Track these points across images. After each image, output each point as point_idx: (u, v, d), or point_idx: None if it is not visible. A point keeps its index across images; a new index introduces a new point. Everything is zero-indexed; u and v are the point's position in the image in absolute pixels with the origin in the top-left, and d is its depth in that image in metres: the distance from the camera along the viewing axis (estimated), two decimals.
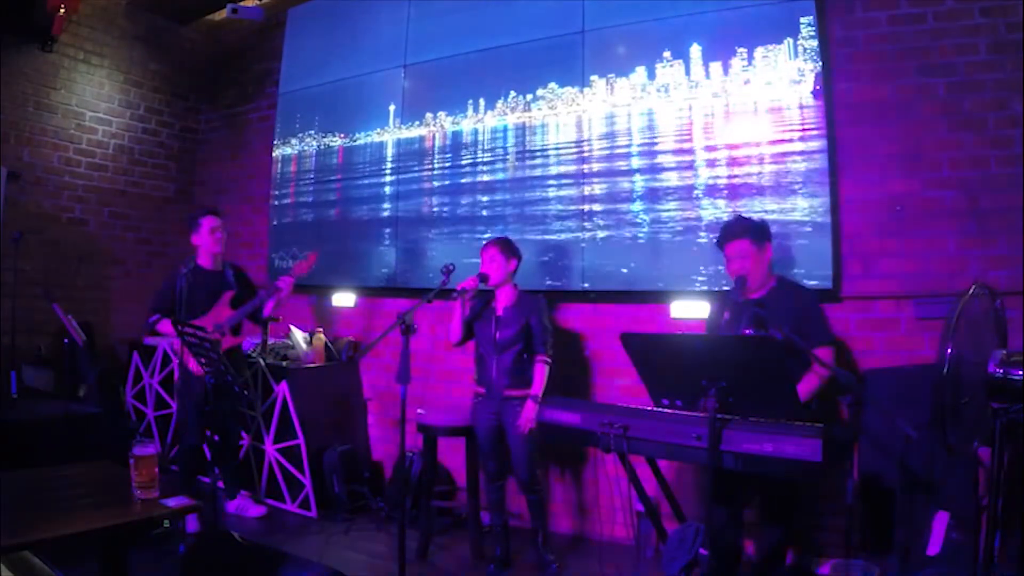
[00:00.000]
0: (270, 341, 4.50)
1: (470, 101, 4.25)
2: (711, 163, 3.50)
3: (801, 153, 3.27)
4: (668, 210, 3.58)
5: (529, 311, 3.26)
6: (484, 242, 3.38)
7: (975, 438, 2.17)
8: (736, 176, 3.43)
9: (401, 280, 4.44)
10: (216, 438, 3.78)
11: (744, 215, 3.00)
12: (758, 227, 2.77)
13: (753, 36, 3.38)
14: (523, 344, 3.24)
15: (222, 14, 5.13)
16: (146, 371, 4.89)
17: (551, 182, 3.94)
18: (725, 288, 3.12)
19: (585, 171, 3.84)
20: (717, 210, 3.44)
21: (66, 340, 3.93)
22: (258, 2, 5.20)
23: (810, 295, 2.81)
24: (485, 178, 4.18)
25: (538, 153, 4.00)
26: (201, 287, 3.66)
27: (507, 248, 3.31)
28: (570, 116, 3.90)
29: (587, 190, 3.82)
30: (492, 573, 3.26)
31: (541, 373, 3.20)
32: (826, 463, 2.02)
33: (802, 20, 3.27)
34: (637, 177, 3.68)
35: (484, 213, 4.14)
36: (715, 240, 2.87)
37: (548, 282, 3.87)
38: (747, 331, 2.50)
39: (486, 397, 3.28)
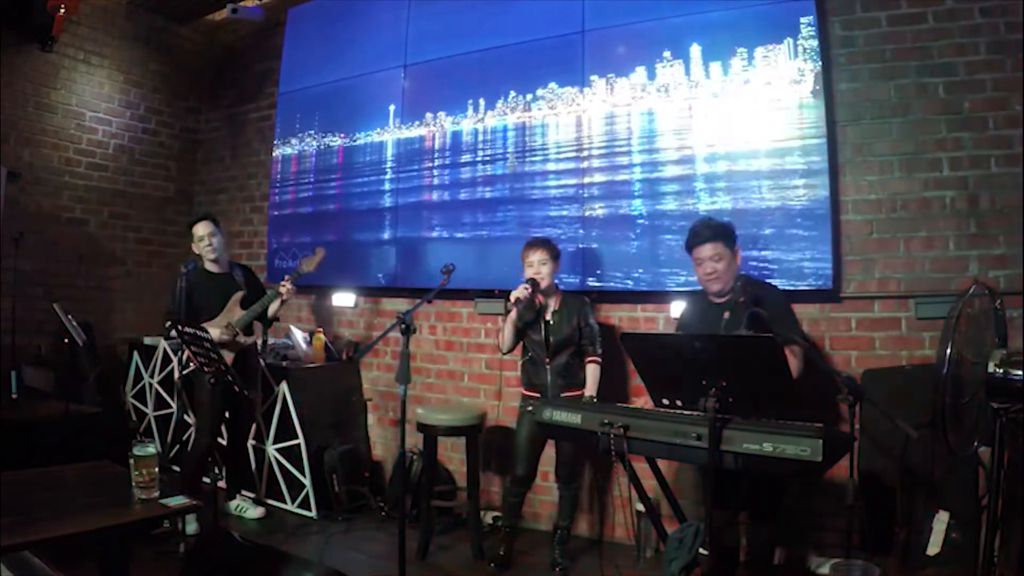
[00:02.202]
0: (270, 341, 4.51)
1: (470, 101, 4.25)
2: (711, 163, 3.49)
3: (801, 153, 3.27)
4: (668, 209, 3.58)
5: (578, 312, 3.23)
6: (528, 241, 3.27)
7: (975, 438, 2.18)
8: (736, 176, 3.43)
9: (401, 280, 4.44)
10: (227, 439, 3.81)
11: (711, 217, 2.93)
12: (729, 230, 2.75)
13: (753, 36, 3.38)
14: (575, 346, 3.22)
15: (222, 14, 5.14)
16: (146, 371, 4.89)
17: (551, 182, 3.94)
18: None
19: (585, 171, 3.84)
20: (717, 210, 3.43)
21: (66, 340, 3.92)
22: (258, 2, 5.20)
23: (778, 293, 2.81)
24: (486, 179, 4.18)
25: (538, 153, 4.00)
26: (210, 290, 3.68)
27: (554, 250, 3.24)
28: (570, 116, 3.90)
29: (587, 190, 3.82)
30: (493, 573, 3.26)
31: (595, 373, 3.19)
32: (826, 463, 2.02)
33: (802, 20, 3.26)
34: (637, 177, 3.68)
35: (484, 213, 4.14)
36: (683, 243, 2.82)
37: None
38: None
39: (540, 402, 3.23)
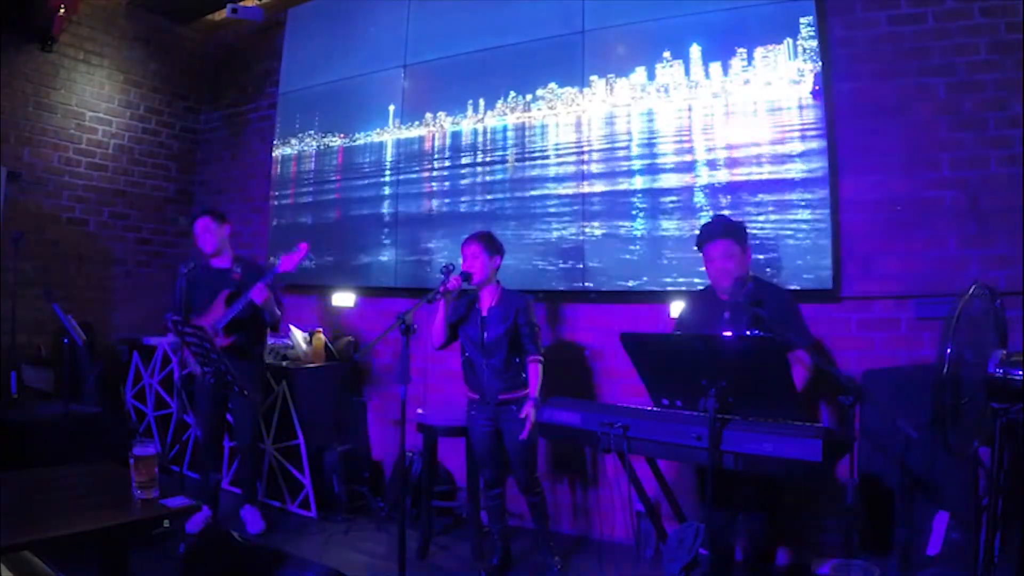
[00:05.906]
0: (270, 341, 4.50)
1: (470, 101, 4.25)
2: (711, 163, 3.50)
3: (801, 153, 3.27)
4: (668, 210, 3.58)
5: (514, 309, 3.11)
6: (465, 238, 3.23)
7: (975, 438, 2.17)
8: (736, 176, 3.43)
9: (401, 280, 4.44)
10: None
11: (724, 215, 2.97)
12: (741, 229, 2.78)
13: (753, 36, 3.38)
14: (511, 345, 3.10)
15: (222, 14, 5.13)
16: (146, 371, 4.89)
17: (551, 182, 3.94)
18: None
19: (585, 171, 3.84)
20: (717, 210, 3.44)
21: (66, 340, 3.92)
22: (258, 2, 5.20)
23: (787, 296, 2.81)
24: (485, 178, 4.18)
25: (538, 153, 4.00)
26: (203, 285, 3.62)
27: (490, 244, 3.15)
28: (570, 116, 3.90)
29: (587, 190, 3.81)
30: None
31: (536, 373, 3.05)
32: (826, 463, 2.02)
33: (802, 20, 3.27)
34: (637, 177, 3.68)
35: (484, 213, 4.14)
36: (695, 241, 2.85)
37: (548, 282, 3.87)
38: (746, 331, 2.50)
39: (480, 403, 3.14)
